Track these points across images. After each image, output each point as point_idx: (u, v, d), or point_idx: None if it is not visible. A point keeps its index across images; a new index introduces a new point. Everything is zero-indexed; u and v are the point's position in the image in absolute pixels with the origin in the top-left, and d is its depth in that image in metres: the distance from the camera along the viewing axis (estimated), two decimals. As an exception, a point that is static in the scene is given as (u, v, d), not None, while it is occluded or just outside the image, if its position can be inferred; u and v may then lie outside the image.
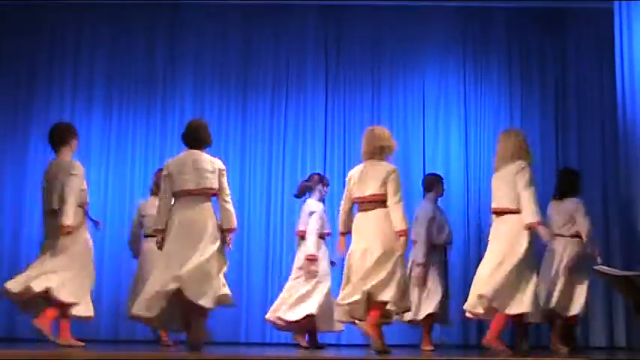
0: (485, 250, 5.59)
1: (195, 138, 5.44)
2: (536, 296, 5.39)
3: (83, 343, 5.60)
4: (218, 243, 5.29)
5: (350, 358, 5.33)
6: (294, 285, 6.34)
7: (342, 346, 7.14)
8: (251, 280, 7.63)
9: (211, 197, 5.38)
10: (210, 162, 5.37)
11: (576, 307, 6.15)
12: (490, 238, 5.54)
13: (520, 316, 5.38)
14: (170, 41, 8.11)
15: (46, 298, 5.55)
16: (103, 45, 8.07)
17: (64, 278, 5.56)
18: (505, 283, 5.25)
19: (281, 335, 7.10)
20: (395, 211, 5.28)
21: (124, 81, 8.04)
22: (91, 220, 5.91)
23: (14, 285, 5.50)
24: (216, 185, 5.35)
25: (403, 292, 5.27)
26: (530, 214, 5.29)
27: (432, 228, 6.49)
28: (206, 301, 5.13)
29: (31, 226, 7.54)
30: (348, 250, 5.43)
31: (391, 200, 5.31)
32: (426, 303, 6.38)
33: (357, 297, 5.18)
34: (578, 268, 6.19)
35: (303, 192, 6.64)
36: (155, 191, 6.47)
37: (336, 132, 7.99)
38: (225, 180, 5.42)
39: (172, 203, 5.38)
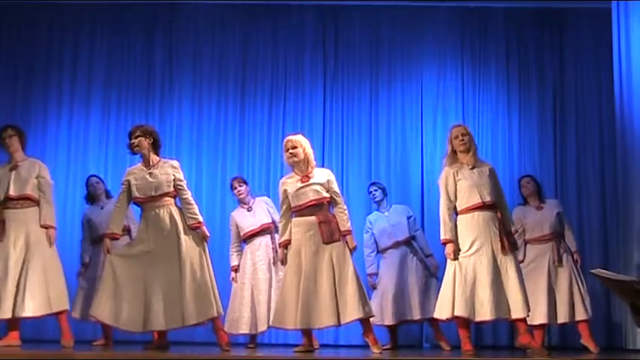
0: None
1: None
2: None
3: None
4: None
5: (349, 358, 5.33)
6: None
7: (341, 347, 7.14)
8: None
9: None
10: None
11: None
12: None
13: None
14: (169, 41, 8.10)
15: None
16: (101, 45, 8.06)
17: None
18: None
19: (280, 336, 7.09)
20: None
21: (122, 81, 8.02)
22: None
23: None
24: None
25: None
26: None
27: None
28: None
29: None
30: None
31: None
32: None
33: None
34: None
35: None
36: None
37: (334, 132, 7.98)
38: None
39: None
